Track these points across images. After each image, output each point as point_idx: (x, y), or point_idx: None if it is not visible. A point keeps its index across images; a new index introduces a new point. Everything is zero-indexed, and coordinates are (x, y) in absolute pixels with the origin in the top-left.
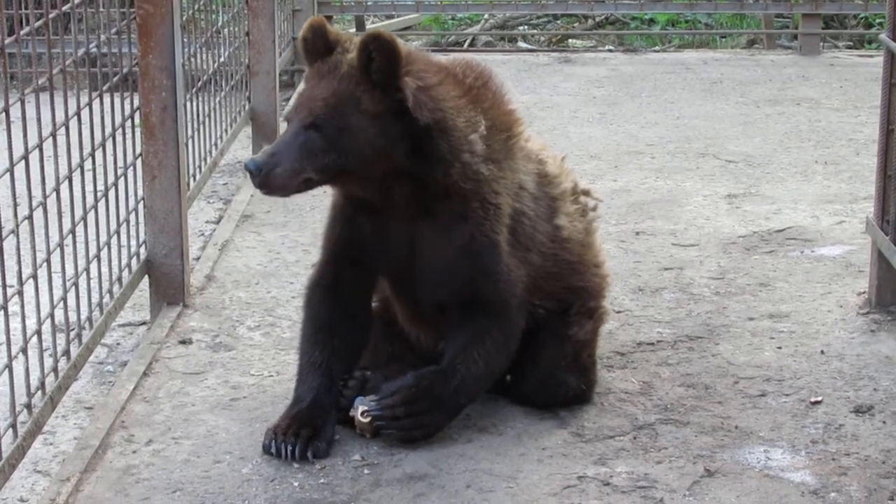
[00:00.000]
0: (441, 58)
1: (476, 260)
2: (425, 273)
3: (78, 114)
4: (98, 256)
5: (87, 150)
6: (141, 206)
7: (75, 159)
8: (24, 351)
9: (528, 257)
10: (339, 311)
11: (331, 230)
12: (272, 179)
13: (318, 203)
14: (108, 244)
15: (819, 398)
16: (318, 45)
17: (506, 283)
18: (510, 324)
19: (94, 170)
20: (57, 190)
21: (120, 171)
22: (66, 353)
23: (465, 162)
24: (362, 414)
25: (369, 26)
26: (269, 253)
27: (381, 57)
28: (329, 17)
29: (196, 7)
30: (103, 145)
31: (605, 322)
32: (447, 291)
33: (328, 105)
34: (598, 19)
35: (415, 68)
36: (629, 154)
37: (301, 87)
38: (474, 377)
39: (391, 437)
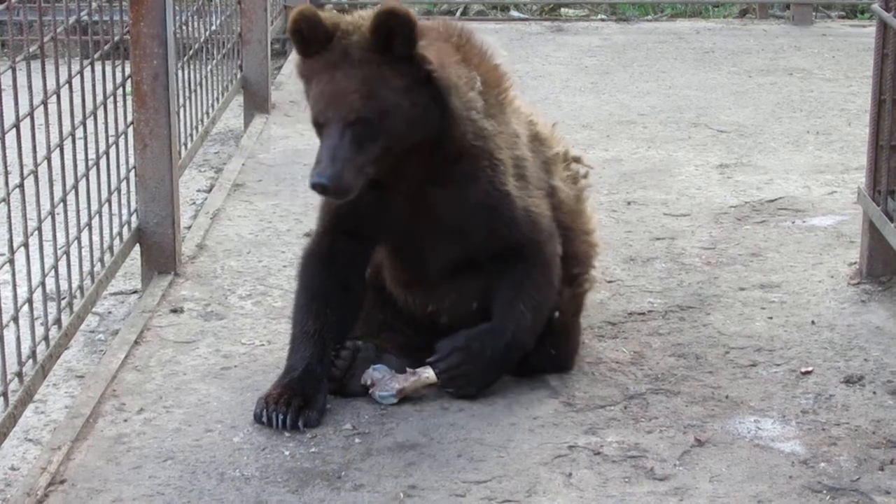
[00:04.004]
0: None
1: (493, 214)
2: (436, 236)
3: (69, 82)
4: (89, 225)
5: (78, 118)
6: (132, 174)
7: (66, 127)
8: (16, 319)
9: (543, 194)
10: (334, 281)
11: (329, 202)
12: (343, 187)
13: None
14: (100, 213)
15: (809, 368)
16: (318, 35)
17: (528, 223)
18: (546, 258)
19: (85, 138)
20: (48, 158)
21: (111, 140)
22: (58, 321)
23: (473, 119)
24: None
25: None
26: (260, 222)
27: (402, 30)
28: None
29: None
30: (94, 113)
31: (588, 289)
32: (465, 249)
33: (363, 94)
34: None
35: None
36: (621, 124)
37: (311, 83)
38: (524, 330)
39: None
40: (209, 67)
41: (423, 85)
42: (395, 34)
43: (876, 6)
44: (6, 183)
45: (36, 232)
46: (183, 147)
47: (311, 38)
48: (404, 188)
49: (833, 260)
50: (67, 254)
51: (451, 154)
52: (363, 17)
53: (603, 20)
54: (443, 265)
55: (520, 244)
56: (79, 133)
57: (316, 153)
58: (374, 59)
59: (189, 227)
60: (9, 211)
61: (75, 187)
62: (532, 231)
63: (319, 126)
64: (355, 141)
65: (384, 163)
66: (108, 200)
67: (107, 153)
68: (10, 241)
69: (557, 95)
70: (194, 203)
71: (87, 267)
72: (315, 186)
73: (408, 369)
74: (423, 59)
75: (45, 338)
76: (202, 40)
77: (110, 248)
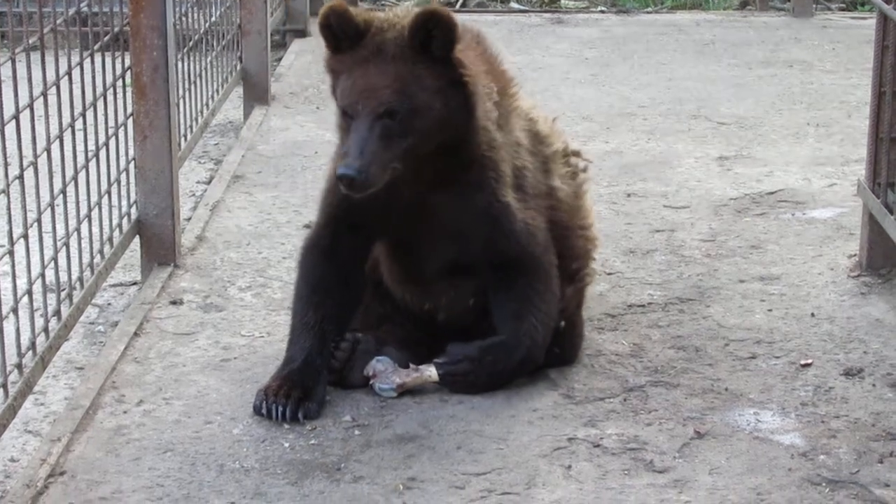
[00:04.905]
0: None
1: (494, 224)
2: (435, 239)
3: (69, 73)
4: (89, 216)
5: (78, 109)
6: (132, 166)
7: (66, 119)
8: (15, 311)
9: (539, 204)
10: (334, 273)
11: (332, 195)
12: (369, 180)
13: (310, 164)
14: (99, 204)
15: (809, 361)
16: (348, 31)
17: (526, 236)
18: (545, 271)
19: (84, 130)
20: (48, 150)
21: (111, 131)
22: (57, 313)
23: (489, 129)
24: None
25: None
26: (260, 214)
27: (442, 32)
28: None
29: None
30: (94, 105)
31: (588, 283)
32: (463, 253)
33: (395, 90)
34: None
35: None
36: (621, 116)
37: (339, 77)
38: (538, 346)
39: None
40: (209, 59)
41: (456, 89)
42: (433, 36)
43: None
44: (6, 174)
45: (36, 223)
46: (183, 138)
47: (341, 33)
48: (410, 190)
49: (833, 252)
50: (67, 245)
51: (464, 162)
52: (399, 14)
53: (603, 12)
54: (439, 266)
55: (518, 256)
56: (78, 124)
57: (314, 145)
58: (410, 56)
59: (189, 219)
60: (8, 202)
61: (75, 179)
62: (530, 244)
63: (348, 118)
64: (384, 135)
65: (408, 162)
66: (108, 192)
67: (106, 145)
68: (10, 232)
69: (557, 87)
70: (194, 195)
71: (86, 258)
72: (342, 178)
73: (411, 365)
74: (460, 63)
75: (45, 329)
76: (202, 31)
77: (110, 239)
